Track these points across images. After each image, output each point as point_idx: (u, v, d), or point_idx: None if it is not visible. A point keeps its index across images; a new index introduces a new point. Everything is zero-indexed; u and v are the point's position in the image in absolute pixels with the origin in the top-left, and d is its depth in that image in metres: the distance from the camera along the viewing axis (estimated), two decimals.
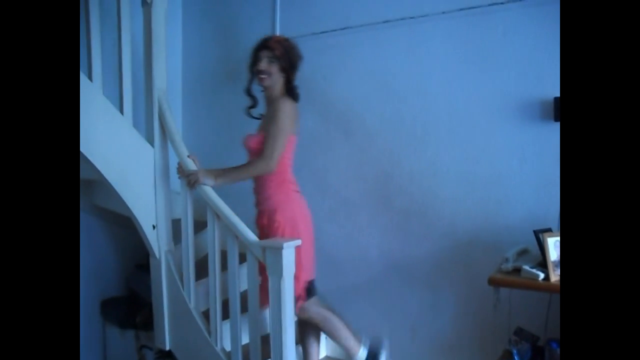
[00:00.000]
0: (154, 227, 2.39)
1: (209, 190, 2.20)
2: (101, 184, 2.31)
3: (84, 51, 2.10)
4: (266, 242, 2.07)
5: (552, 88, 2.11)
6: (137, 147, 2.34)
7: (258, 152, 2.20)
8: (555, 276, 1.81)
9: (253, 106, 2.36)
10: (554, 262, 1.82)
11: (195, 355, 2.35)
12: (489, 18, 2.27)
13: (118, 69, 2.30)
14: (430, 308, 2.49)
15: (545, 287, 1.83)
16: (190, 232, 2.33)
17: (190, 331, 2.35)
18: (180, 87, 3.28)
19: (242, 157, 2.33)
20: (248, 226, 2.11)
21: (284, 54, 2.22)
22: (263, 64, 2.21)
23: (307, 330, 2.39)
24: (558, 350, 1.91)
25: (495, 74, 2.27)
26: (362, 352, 2.21)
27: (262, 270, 2.06)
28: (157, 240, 2.41)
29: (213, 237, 2.22)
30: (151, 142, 2.38)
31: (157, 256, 2.43)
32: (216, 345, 2.25)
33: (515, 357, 1.96)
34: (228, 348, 2.24)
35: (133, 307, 2.90)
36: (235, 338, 2.17)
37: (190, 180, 2.23)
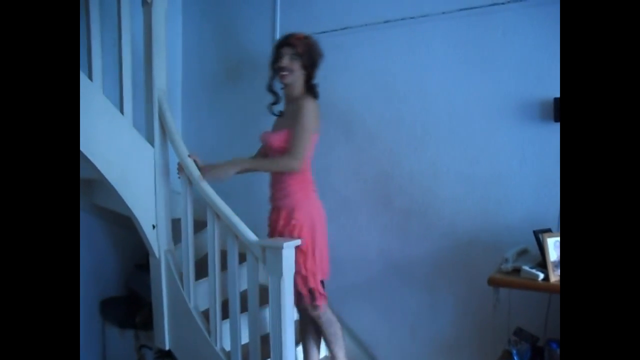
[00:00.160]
0: (153, 226, 2.40)
1: (209, 190, 2.20)
2: (101, 183, 2.31)
3: (84, 51, 2.10)
4: (266, 241, 2.08)
5: (552, 88, 2.11)
6: (137, 147, 2.33)
7: (282, 150, 2.19)
8: (554, 276, 1.81)
9: (275, 102, 2.36)
10: (553, 262, 1.82)
11: (195, 355, 2.35)
12: (489, 18, 2.27)
13: (118, 69, 2.30)
14: (430, 308, 2.49)
15: (544, 287, 1.83)
16: (190, 231, 2.34)
17: (190, 331, 2.35)
18: (180, 87, 3.28)
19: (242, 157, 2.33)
20: (248, 226, 2.11)
21: (305, 51, 2.21)
22: (285, 61, 2.20)
23: (307, 330, 2.39)
24: (558, 351, 1.91)
25: (495, 74, 2.27)
26: None
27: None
28: (157, 240, 2.41)
29: (213, 237, 2.22)
30: (151, 141, 2.38)
31: (157, 256, 2.43)
32: (216, 345, 2.25)
33: (515, 358, 1.96)
34: (228, 348, 2.24)
35: (133, 306, 2.91)
36: (235, 338, 2.17)
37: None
